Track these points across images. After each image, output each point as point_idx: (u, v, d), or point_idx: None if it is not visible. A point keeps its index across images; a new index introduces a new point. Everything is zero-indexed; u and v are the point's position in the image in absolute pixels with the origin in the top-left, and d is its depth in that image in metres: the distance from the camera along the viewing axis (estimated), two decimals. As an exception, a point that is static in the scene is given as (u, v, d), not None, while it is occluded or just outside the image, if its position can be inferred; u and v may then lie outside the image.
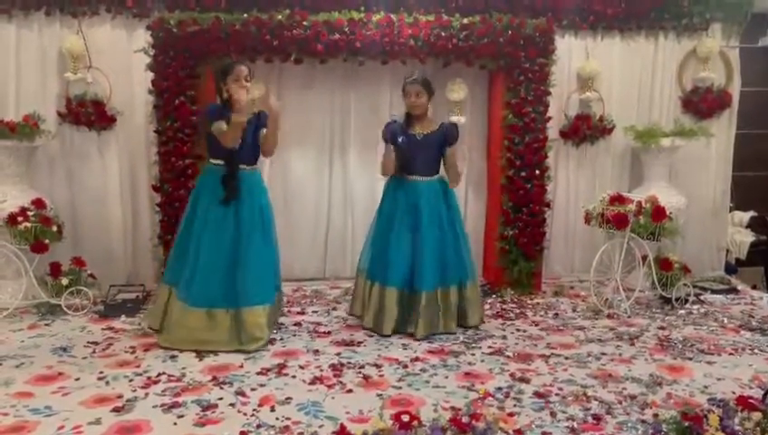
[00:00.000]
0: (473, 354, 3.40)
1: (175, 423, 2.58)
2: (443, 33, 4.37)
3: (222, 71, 3.54)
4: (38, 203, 4.15)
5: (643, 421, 2.58)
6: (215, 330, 3.43)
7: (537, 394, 2.87)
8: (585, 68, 4.91)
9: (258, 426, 2.55)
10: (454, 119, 4.80)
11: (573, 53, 4.98)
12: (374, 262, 3.85)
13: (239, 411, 2.68)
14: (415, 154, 3.76)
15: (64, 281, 4.12)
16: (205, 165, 3.74)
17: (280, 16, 4.25)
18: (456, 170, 3.85)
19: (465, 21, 4.40)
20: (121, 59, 4.53)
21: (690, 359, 3.35)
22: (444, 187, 3.86)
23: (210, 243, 3.48)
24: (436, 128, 3.82)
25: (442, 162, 3.84)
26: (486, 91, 4.99)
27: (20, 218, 4.00)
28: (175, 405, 2.73)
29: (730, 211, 5.53)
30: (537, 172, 4.60)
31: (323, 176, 4.99)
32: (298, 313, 4.17)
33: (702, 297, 4.57)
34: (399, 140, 3.74)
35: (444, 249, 3.77)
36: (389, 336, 3.67)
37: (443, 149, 3.80)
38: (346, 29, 4.29)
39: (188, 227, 3.57)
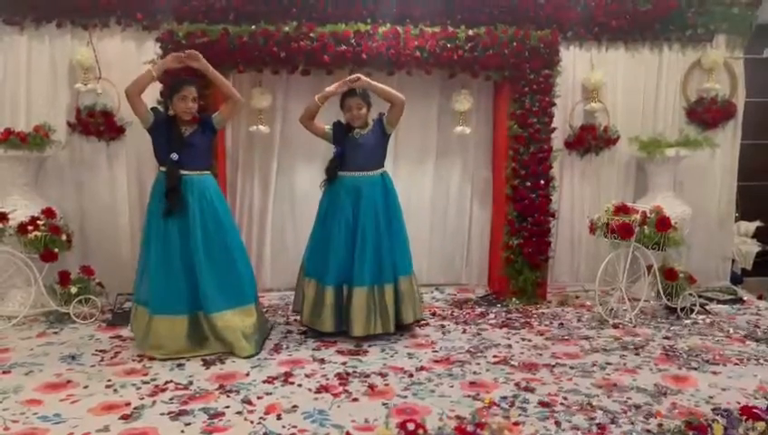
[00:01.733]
0: (478, 364, 3.41)
1: (182, 431, 2.60)
2: (448, 45, 4.41)
3: (170, 88, 3.62)
4: (48, 212, 4.20)
5: (648, 431, 2.59)
6: (175, 336, 3.47)
7: (542, 403, 2.88)
8: (590, 79, 4.94)
9: (265, 434, 2.57)
10: (459, 129, 4.85)
11: (578, 65, 5.01)
12: (312, 259, 3.90)
13: (246, 419, 2.70)
14: (355, 153, 3.85)
15: (73, 289, 4.16)
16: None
17: (287, 28, 4.30)
18: (394, 99, 3.84)
19: (471, 32, 4.44)
20: (131, 70, 4.54)
21: (695, 369, 3.35)
22: (385, 181, 3.92)
23: (162, 252, 3.49)
24: (371, 126, 3.90)
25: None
26: (491, 102, 5.02)
27: (30, 227, 4.05)
28: (182, 413, 2.76)
29: (735, 221, 5.53)
30: (542, 182, 4.62)
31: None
32: (304, 322, 4.20)
33: (707, 307, 4.56)
34: (335, 149, 3.88)
35: (380, 247, 3.80)
36: (332, 334, 3.77)
37: (384, 139, 3.93)
38: (353, 41, 4.33)
39: (145, 239, 3.63)
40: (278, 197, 4.98)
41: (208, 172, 3.71)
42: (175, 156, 3.48)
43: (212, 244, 3.54)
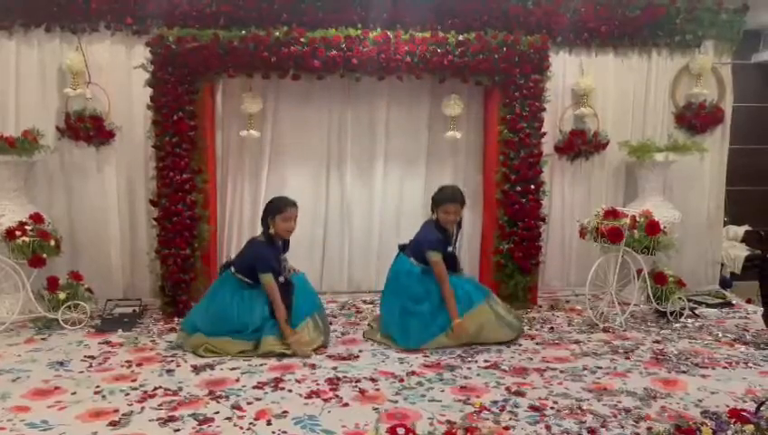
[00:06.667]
0: (469, 368, 3.41)
1: (171, 437, 2.59)
2: (439, 50, 4.41)
3: (273, 208, 3.69)
4: (36, 217, 4.17)
5: (637, 434, 2.60)
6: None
7: (532, 408, 2.88)
8: (579, 84, 4.97)
9: (254, 440, 2.56)
10: (449, 134, 4.85)
11: (568, 70, 5.04)
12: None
13: (235, 425, 2.69)
14: (448, 264, 3.86)
15: (62, 295, 4.13)
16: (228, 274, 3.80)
17: (278, 33, 4.30)
18: None
19: (461, 38, 4.45)
20: (120, 75, 4.58)
21: (684, 372, 3.37)
22: None
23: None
24: (457, 236, 4.02)
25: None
26: (482, 107, 5.03)
27: (18, 233, 4.01)
28: (171, 419, 2.74)
29: (724, 225, 5.56)
30: (532, 187, 4.64)
31: (320, 191, 5.03)
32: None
33: (697, 311, 4.59)
34: (449, 249, 3.89)
35: None
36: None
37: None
38: (343, 45, 4.33)
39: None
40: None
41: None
42: (282, 279, 3.69)
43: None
